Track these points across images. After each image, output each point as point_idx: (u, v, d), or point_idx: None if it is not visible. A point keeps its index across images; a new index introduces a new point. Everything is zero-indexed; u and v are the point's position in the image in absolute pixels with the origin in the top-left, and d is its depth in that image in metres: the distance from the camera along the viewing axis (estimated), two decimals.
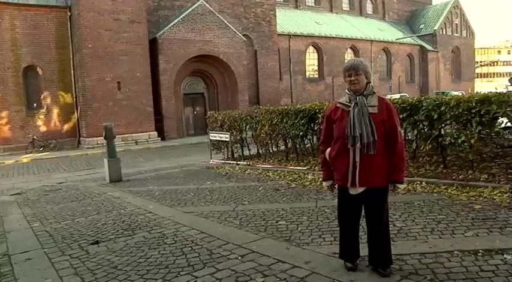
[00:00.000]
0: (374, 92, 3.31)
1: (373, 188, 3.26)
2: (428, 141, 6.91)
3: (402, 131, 3.53)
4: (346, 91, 3.38)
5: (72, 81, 22.09)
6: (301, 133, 9.37)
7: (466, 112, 6.27)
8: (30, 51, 20.98)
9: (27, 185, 11.24)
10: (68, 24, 21.68)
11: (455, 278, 3.16)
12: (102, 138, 10.98)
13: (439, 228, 4.36)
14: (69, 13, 21.59)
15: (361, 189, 3.27)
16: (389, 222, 4.63)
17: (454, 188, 5.94)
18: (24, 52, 20.86)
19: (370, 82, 3.32)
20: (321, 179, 7.69)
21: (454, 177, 6.39)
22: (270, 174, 9.08)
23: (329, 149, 3.44)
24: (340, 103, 3.39)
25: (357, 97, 3.26)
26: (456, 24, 47.00)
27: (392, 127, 3.25)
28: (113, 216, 6.42)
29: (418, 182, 6.43)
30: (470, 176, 6.29)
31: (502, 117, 6.16)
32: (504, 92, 6.99)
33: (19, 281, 3.99)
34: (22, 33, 20.70)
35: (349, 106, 3.28)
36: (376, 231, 3.36)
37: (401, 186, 3.36)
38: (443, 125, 6.80)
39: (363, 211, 3.44)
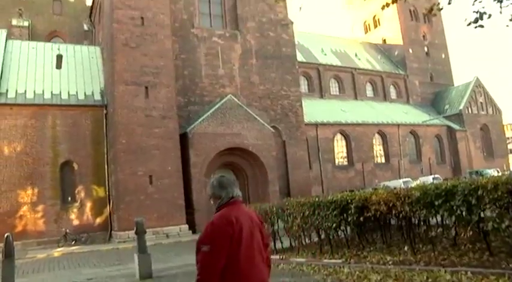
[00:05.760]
0: (218, 209, 3.04)
1: None
2: (469, 227, 6.57)
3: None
4: None
5: (106, 175, 22.69)
6: (334, 225, 9.13)
7: (505, 195, 6.01)
8: (67, 148, 22.04)
9: (57, 281, 11.09)
10: (104, 121, 22.94)
11: None
12: (133, 232, 10.97)
13: None
14: (105, 111, 22.94)
15: None
16: None
17: (506, 278, 5.46)
18: (62, 148, 21.93)
19: (219, 199, 3.07)
20: (358, 273, 7.29)
21: (503, 266, 5.93)
22: (304, 268, 8.69)
23: None
24: None
25: None
26: (481, 102, 47.20)
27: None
28: None
29: (463, 272, 5.98)
30: None
31: None
32: None
33: None
34: (62, 130, 22.01)
35: None
36: None
37: None
38: (483, 209, 6.49)
39: None
